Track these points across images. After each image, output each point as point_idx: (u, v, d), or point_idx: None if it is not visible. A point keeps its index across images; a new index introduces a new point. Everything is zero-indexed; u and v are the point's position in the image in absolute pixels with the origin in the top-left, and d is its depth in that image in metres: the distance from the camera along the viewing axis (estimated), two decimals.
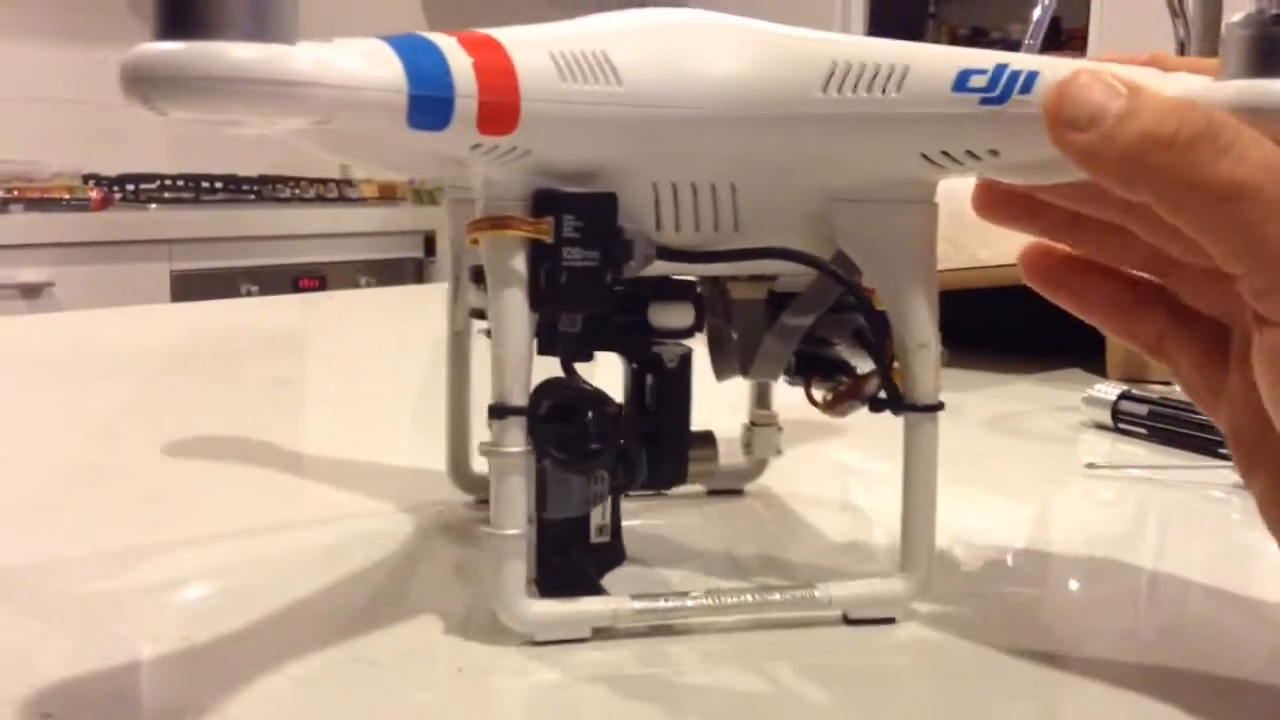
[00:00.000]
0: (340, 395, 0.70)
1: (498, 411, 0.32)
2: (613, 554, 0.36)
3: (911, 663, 0.34)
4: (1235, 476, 0.50)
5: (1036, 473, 0.55)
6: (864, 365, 0.38)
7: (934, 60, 0.32)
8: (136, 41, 0.46)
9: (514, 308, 0.32)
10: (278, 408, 0.66)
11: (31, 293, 2.05)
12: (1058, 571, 0.43)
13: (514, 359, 0.32)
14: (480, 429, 0.43)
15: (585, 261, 0.32)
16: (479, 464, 0.45)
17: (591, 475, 0.35)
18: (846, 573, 0.36)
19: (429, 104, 0.29)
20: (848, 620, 0.35)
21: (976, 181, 0.37)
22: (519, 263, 0.32)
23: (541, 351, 0.35)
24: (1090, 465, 0.54)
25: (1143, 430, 0.58)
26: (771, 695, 0.31)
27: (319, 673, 0.31)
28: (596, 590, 0.34)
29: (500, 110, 0.29)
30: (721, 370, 0.41)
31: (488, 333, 0.33)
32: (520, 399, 0.32)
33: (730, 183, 0.34)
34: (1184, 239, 0.30)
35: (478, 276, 0.41)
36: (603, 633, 0.33)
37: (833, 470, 0.55)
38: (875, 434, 0.38)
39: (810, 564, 0.41)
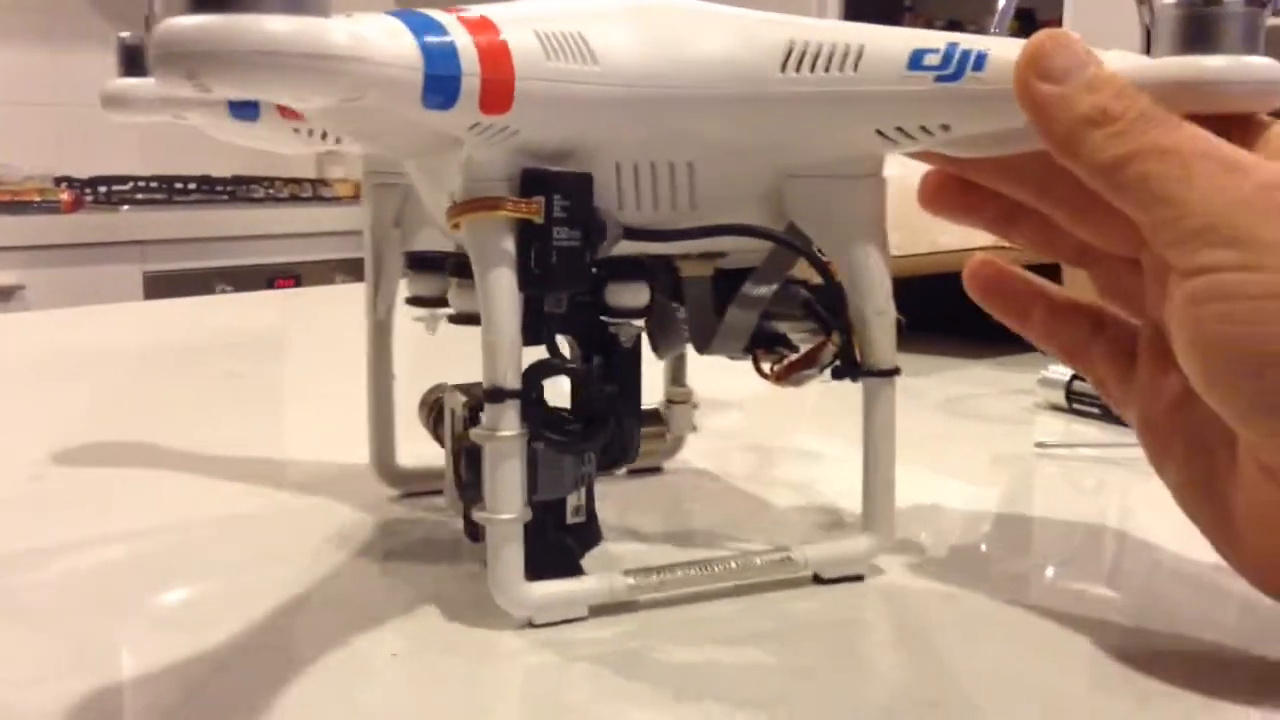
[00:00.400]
0: (294, 391, 0.70)
1: (495, 395, 0.32)
2: (590, 534, 0.36)
3: (882, 615, 0.35)
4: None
5: (987, 452, 0.55)
6: (799, 340, 0.39)
7: (888, 39, 0.33)
8: (108, 44, 0.46)
9: (504, 290, 0.32)
10: (231, 404, 0.66)
11: (3, 296, 2.03)
12: (1004, 538, 0.44)
13: (506, 342, 0.32)
14: (405, 421, 0.43)
15: (570, 241, 0.32)
16: (404, 457, 0.45)
17: (581, 456, 0.35)
18: (796, 537, 0.38)
19: (441, 83, 0.29)
20: (818, 579, 0.36)
21: (921, 176, 0.39)
22: (508, 244, 0.32)
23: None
24: (1040, 444, 0.54)
25: (1095, 410, 0.59)
26: (766, 656, 0.32)
27: (308, 666, 0.31)
28: (578, 571, 0.34)
29: (499, 89, 0.30)
30: (663, 348, 0.41)
31: (456, 320, 0.34)
32: (515, 382, 0.32)
33: (688, 161, 0.35)
34: (1096, 223, 0.32)
35: (418, 263, 0.41)
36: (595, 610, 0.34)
37: (745, 447, 0.55)
38: (773, 409, 0.39)
39: (752, 533, 0.42)
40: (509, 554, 0.32)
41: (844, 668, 0.31)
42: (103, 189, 2.44)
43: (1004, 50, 0.32)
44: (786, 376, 0.38)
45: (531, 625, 0.33)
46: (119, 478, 0.50)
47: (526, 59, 0.30)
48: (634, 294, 0.36)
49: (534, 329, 0.34)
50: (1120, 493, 0.50)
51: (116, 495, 0.47)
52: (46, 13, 2.58)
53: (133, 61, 0.45)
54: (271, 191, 2.62)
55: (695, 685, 0.30)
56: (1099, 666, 0.31)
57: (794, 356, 0.38)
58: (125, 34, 0.45)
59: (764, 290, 0.37)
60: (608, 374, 0.38)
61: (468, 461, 0.35)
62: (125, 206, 2.35)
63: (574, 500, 0.35)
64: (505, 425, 0.32)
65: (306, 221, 2.46)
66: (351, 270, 2.45)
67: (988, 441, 0.57)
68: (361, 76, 0.27)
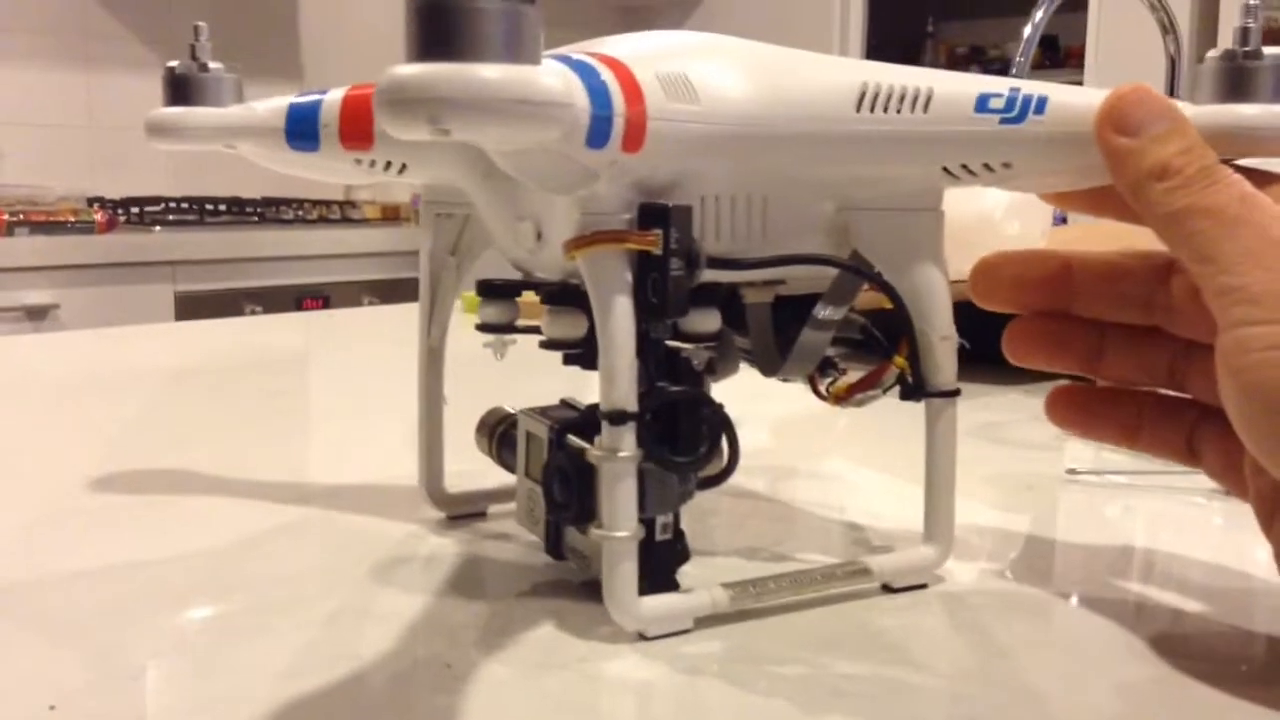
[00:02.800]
0: (337, 411, 0.71)
1: (616, 418, 0.33)
2: (680, 551, 0.37)
3: (953, 621, 0.38)
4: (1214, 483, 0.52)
5: (1016, 478, 0.56)
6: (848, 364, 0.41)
7: (956, 84, 0.36)
8: (140, 67, 0.47)
9: (624, 317, 0.33)
10: (274, 424, 0.67)
11: (37, 315, 2.07)
12: (1037, 562, 0.45)
13: (626, 367, 0.33)
14: (455, 445, 0.45)
15: (678, 271, 0.34)
16: (454, 483, 0.46)
17: (686, 475, 0.37)
18: (847, 552, 0.40)
19: (602, 124, 0.31)
20: (886, 589, 0.39)
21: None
22: (627, 274, 0.33)
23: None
24: (1071, 471, 0.56)
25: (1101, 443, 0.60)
26: (862, 665, 0.34)
27: (410, 678, 0.33)
28: (674, 585, 0.36)
29: (637, 129, 0.32)
30: (721, 372, 0.43)
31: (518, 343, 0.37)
32: (633, 405, 0.34)
33: (763, 195, 0.37)
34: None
35: (488, 291, 0.42)
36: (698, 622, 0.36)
37: (779, 468, 0.57)
38: (798, 431, 0.40)
39: (806, 548, 0.44)
40: (625, 570, 0.34)
41: (935, 674, 0.34)
42: (135, 210, 2.48)
43: (1062, 95, 0.35)
44: (849, 398, 0.40)
45: (643, 638, 0.35)
46: (171, 499, 0.51)
47: (652, 99, 0.32)
48: (707, 320, 0.38)
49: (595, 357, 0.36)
50: (1150, 520, 0.51)
51: (171, 516, 0.49)
52: (81, 36, 2.62)
53: (179, 91, 0.46)
54: (300, 213, 2.65)
55: (817, 695, 0.32)
56: (1133, 692, 0.33)
57: (856, 378, 0.40)
58: (174, 63, 0.46)
59: (834, 314, 0.40)
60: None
61: (561, 483, 0.37)
62: (157, 227, 2.38)
63: (663, 518, 0.37)
64: (624, 446, 0.34)
65: (335, 243, 2.49)
66: (378, 291, 2.48)
67: (1017, 468, 0.59)
68: (566, 120, 0.29)
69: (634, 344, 0.34)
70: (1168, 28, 1.23)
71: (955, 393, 0.39)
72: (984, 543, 0.46)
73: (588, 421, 0.38)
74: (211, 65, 0.46)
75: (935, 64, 4.19)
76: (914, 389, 0.39)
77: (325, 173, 0.44)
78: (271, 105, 0.43)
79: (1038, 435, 0.64)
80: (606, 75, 0.31)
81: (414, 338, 0.46)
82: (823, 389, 0.42)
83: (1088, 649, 0.35)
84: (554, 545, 0.39)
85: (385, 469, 0.54)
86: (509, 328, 0.42)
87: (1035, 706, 0.32)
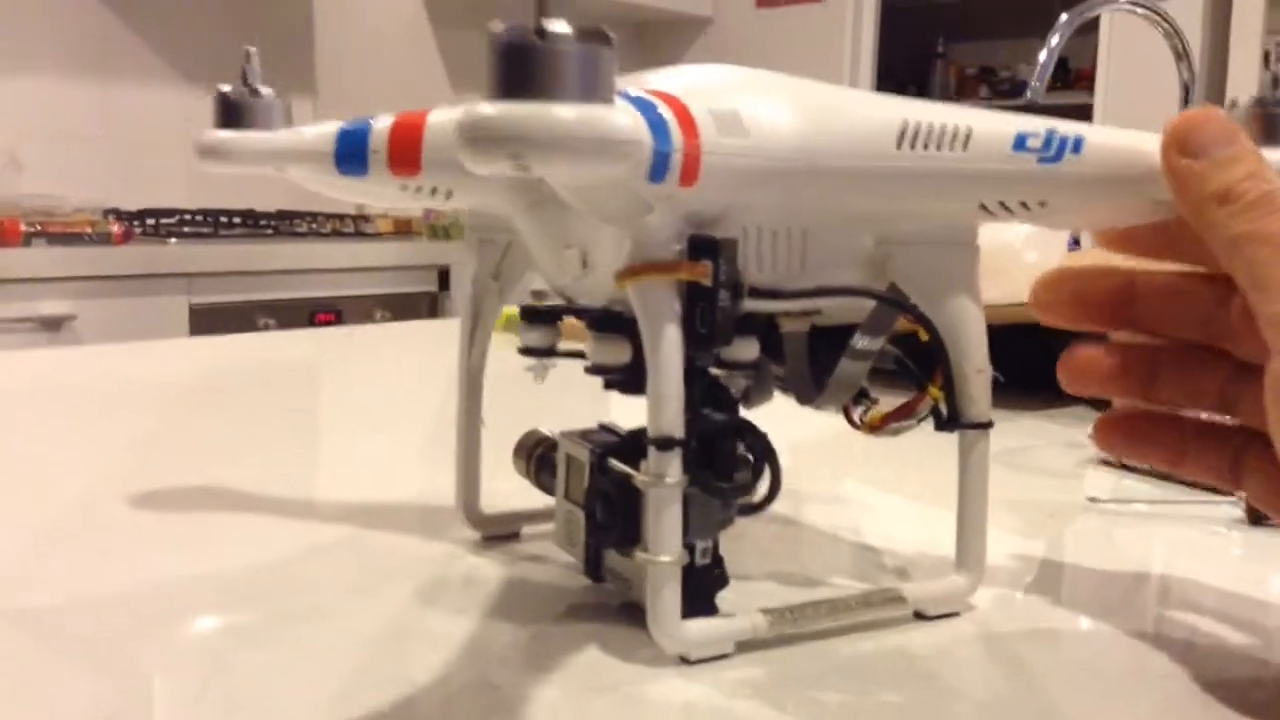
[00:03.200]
0: (358, 428, 0.72)
1: (663, 444, 0.34)
2: (720, 575, 0.38)
3: (984, 648, 0.39)
4: (1236, 512, 0.53)
5: (1038, 505, 0.57)
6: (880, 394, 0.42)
7: (994, 123, 0.37)
8: (157, 79, 0.48)
9: (673, 346, 0.34)
10: (296, 441, 0.68)
11: (53, 325, 2.08)
12: (1061, 589, 0.46)
13: (674, 394, 0.34)
14: (493, 466, 0.46)
15: (725, 301, 0.35)
16: (488, 503, 0.47)
17: (727, 500, 0.37)
18: (874, 578, 0.41)
19: (663, 159, 0.32)
20: (919, 616, 0.40)
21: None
22: (676, 304, 0.34)
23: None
24: (1092, 499, 0.56)
25: (1146, 465, 0.60)
26: (899, 692, 0.35)
27: (459, 701, 0.34)
28: (714, 610, 0.37)
29: (693, 164, 0.33)
30: (755, 400, 0.44)
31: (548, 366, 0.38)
32: (680, 431, 0.34)
33: (803, 227, 0.38)
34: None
35: (531, 316, 0.43)
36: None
37: (801, 493, 0.58)
38: (818, 456, 0.41)
39: (834, 574, 0.45)
40: (668, 594, 0.35)
41: (969, 700, 0.35)
42: (151, 221, 2.49)
43: (1099, 136, 0.36)
44: (883, 427, 0.41)
45: (685, 662, 0.35)
46: (203, 517, 0.52)
47: (707, 134, 0.33)
48: (747, 348, 0.39)
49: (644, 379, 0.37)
50: (1171, 548, 0.52)
51: (204, 535, 0.49)
52: (97, 48, 2.64)
53: (230, 114, 0.47)
54: (314, 226, 2.67)
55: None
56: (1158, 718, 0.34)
57: (890, 408, 0.41)
58: (226, 87, 0.47)
59: (872, 344, 0.41)
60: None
61: (604, 506, 0.38)
62: (173, 239, 2.40)
63: (703, 543, 0.37)
64: (671, 472, 0.34)
65: (348, 257, 2.51)
66: (390, 305, 2.50)
67: (1038, 495, 0.59)
68: (635, 156, 0.30)
69: (681, 372, 0.34)
70: (1181, 54, 1.24)
71: (989, 424, 0.40)
72: (1009, 569, 0.46)
73: (629, 446, 0.39)
74: (263, 90, 0.47)
75: (945, 84, 4.20)
76: (948, 420, 0.40)
77: (372, 196, 0.46)
78: (321, 130, 0.45)
79: (1058, 462, 0.64)
80: (665, 112, 0.32)
81: (431, 353, 0.47)
82: (856, 418, 0.42)
83: (1113, 675, 0.36)
84: (593, 567, 0.40)
85: (415, 487, 0.55)
86: (551, 351, 0.43)
87: None
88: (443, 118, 0.42)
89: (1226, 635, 0.40)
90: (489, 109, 0.28)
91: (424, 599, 0.41)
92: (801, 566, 0.46)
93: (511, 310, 0.49)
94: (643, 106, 0.32)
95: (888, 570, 0.46)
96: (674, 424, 0.34)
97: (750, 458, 0.37)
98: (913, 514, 0.55)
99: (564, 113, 0.28)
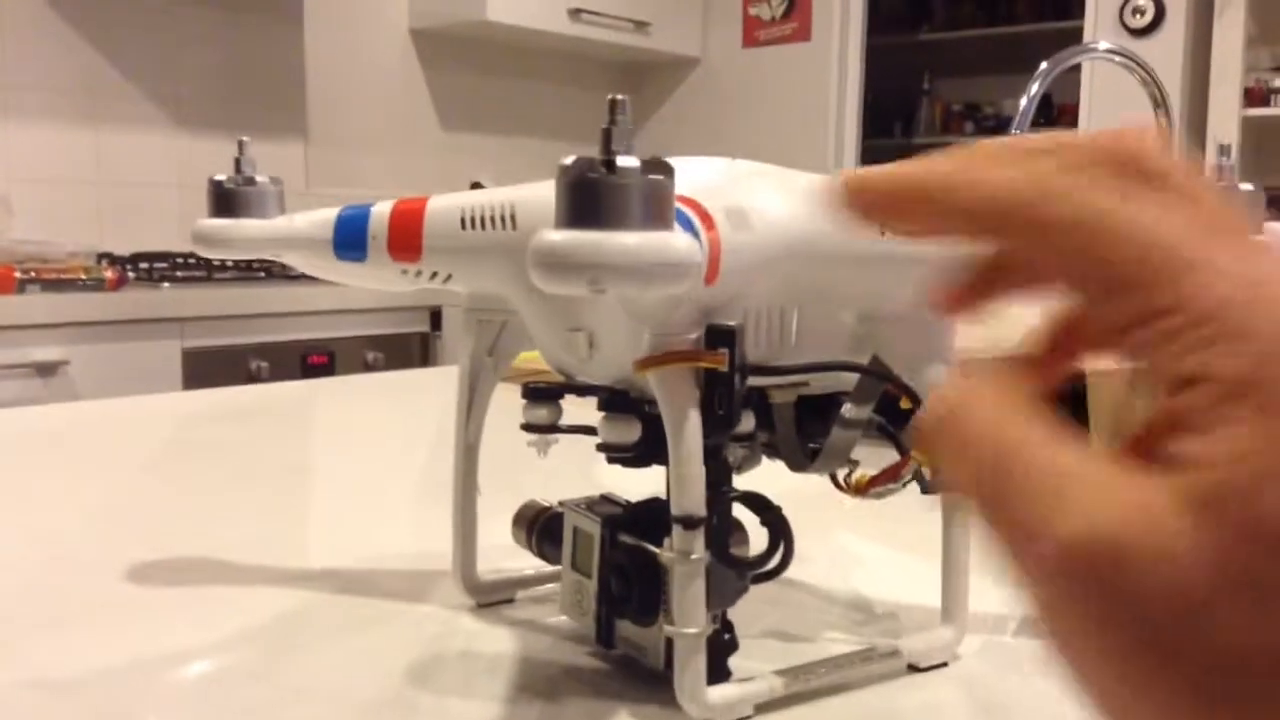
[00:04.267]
0: (351, 488, 0.73)
1: (688, 522, 0.36)
2: (729, 641, 0.40)
3: (969, 695, 0.41)
4: None
5: None
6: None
7: None
8: (149, 123, 0.49)
9: (695, 429, 0.36)
10: (290, 501, 0.70)
11: (47, 371, 2.09)
12: (1032, 633, 0.47)
13: (697, 475, 0.36)
14: (490, 535, 0.47)
15: (737, 385, 0.37)
16: (483, 570, 0.49)
17: (742, 572, 0.39)
18: (863, 633, 0.44)
19: (703, 268, 0.34)
20: (912, 668, 0.42)
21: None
22: (695, 390, 0.37)
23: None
24: None
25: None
26: None
27: None
28: (727, 674, 0.39)
29: (715, 263, 0.35)
30: (745, 467, 0.46)
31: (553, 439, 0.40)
32: (703, 510, 0.37)
33: (795, 307, 0.40)
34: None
35: (532, 395, 0.45)
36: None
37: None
38: (805, 510, 0.43)
39: (824, 629, 0.47)
40: (696, 664, 0.37)
41: None
42: (144, 265, 2.51)
43: None
44: (868, 490, 0.43)
45: None
46: (201, 589, 0.53)
47: (724, 233, 0.36)
48: (745, 421, 0.41)
49: (648, 454, 0.40)
50: None
51: (202, 606, 0.51)
52: (89, 93, 2.67)
53: (225, 202, 0.48)
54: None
55: None
56: None
57: (877, 472, 0.43)
58: (220, 177, 0.48)
59: (860, 413, 0.43)
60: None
61: (620, 579, 0.39)
62: (165, 283, 2.41)
63: (714, 611, 0.39)
64: (696, 549, 0.36)
65: (339, 299, 2.52)
66: (381, 347, 2.51)
67: None
68: (695, 275, 0.33)
69: (702, 453, 0.36)
70: (1159, 102, 1.27)
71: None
72: (987, 614, 0.48)
73: (637, 518, 0.41)
74: (258, 178, 0.48)
75: (931, 121, 4.24)
76: (934, 484, 0.42)
77: (370, 280, 0.47)
78: (316, 218, 0.46)
79: None
80: (696, 221, 0.34)
81: (424, 405, 0.49)
82: (842, 481, 0.44)
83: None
84: (606, 635, 0.42)
85: (412, 548, 0.56)
86: (553, 428, 0.44)
87: None
88: (442, 204, 0.44)
89: None
90: (561, 237, 0.30)
91: (425, 668, 0.43)
92: (798, 624, 0.48)
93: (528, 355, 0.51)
94: (685, 221, 0.34)
95: (879, 620, 0.47)
96: (698, 503, 0.36)
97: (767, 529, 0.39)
98: (900, 565, 0.57)
99: (632, 240, 0.30)
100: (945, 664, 0.43)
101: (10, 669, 0.41)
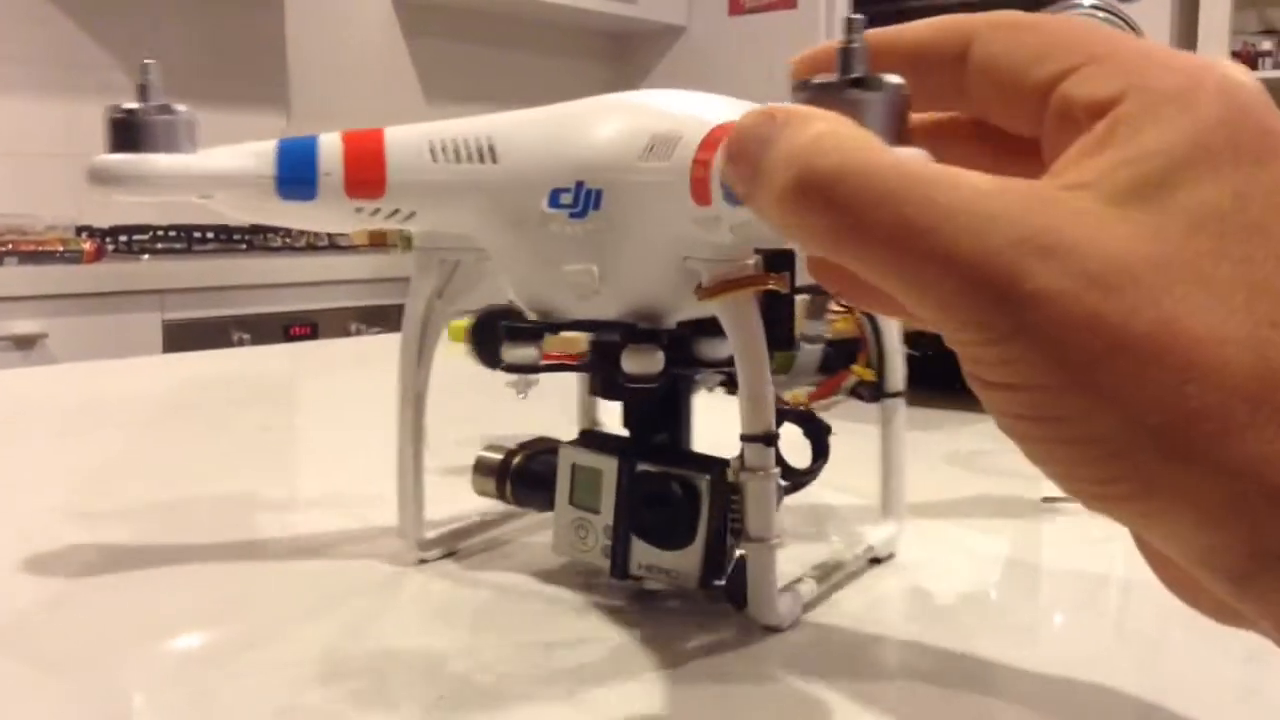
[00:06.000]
0: (321, 446, 0.72)
1: (765, 439, 0.38)
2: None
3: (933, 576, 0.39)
4: None
5: (993, 505, 0.57)
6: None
7: (697, 132, 0.36)
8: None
9: (764, 350, 0.38)
10: (262, 457, 0.68)
11: (25, 344, 2.07)
12: (1007, 588, 0.47)
13: (770, 394, 0.38)
14: (439, 488, 0.46)
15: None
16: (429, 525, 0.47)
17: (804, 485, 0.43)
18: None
19: None
20: (873, 561, 0.46)
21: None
22: (758, 314, 0.38)
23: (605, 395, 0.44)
24: (1047, 499, 0.57)
25: None
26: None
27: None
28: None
29: None
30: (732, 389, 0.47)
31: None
32: (774, 427, 0.38)
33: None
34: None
35: (513, 334, 0.43)
36: None
37: None
38: None
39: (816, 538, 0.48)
40: (770, 574, 0.38)
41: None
42: (123, 238, 2.48)
43: None
44: (811, 404, 0.44)
45: (774, 631, 0.39)
46: (161, 531, 0.52)
47: None
48: (719, 347, 0.41)
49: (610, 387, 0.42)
50: (1125, 545, 0.52)
51: (159, 548, 0.50)
52: (67, 66, 2.63)
53: (129, 135, 0.41)
54: (288, 240, 2.66)
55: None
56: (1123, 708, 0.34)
57: (818, 389, 0.44)
58: (130, 105, 0.41)
59: (819, 328, 0.45)
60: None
61: (651, 506, 0.40)
62: (145, 256, 2.39)
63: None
64: (770, 464, 0.38)
65: (322, 270, 2.50)
66: (365, 318, 2.49)
67: (993, 495, 0.60)
68: None
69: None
70: None
71: (904, 393, 0.45)
72: (965, 567, 0.47)
73: (645, 450, 0.42)
74: (176, 106, 0.41)
75: None
76: (875, 392, 0.45)
77: (313, 222, 0.44)
78: (246, 152, 0.41)
79: (1014, 464, 0.64)
80: None
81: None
82: (787, 398, 0.45)
83: (1069, 661, 0.36)
84: (621, 566, 0.41)
85: (368, 505, 0.55)
86: (533, 368, 0.43)
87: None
88: (403, 135, 0.42)
89: (1187, 631, 0.40)
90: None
91: (372, 617, 0.41)
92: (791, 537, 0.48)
93: (460, 323, 0.49)
94: None
95: (826, 520, 0.51)
96: (770, 421, 0.38)
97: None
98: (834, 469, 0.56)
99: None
100: (893, 555, 0.46)
101: None
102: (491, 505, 0.48)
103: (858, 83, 0.25)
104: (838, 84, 0.25)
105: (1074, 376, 0.21)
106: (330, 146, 0.41)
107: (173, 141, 0.41)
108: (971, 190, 0.21)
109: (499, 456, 0.47)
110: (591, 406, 0.51)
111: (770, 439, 0.38)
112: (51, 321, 2.10)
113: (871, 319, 0.44)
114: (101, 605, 0.43)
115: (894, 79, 0.25)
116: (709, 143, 0.34)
